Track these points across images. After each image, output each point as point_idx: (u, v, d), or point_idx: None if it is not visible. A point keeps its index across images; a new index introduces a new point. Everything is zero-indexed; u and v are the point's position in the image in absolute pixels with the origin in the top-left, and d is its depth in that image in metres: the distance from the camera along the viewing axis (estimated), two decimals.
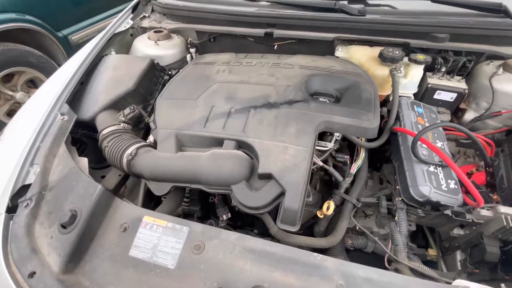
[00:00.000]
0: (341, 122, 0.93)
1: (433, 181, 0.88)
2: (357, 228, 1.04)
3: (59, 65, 2.85)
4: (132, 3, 1.72)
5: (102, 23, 3.34)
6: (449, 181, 0.89)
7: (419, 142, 0.91)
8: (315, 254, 0.69)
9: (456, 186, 0.88)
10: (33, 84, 2.83)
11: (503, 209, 0.76)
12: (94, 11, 3.29)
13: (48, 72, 2.77)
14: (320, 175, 1.22)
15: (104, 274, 0.71)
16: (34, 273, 0.68)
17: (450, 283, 0.65)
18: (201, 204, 1.20)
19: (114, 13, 3.44)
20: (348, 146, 1.20)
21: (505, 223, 0.75)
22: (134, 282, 0.69)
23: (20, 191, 0.85)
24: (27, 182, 0.86)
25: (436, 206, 0.87)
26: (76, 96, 1.17)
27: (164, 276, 0.69)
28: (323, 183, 1.23)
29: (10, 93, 2.65)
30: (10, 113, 2.71)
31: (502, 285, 0.65)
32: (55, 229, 0.75)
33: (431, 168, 0.91)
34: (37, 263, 0.70)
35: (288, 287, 0.65)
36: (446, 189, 0.87)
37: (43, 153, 0.91)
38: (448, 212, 0.83)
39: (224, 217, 1.08)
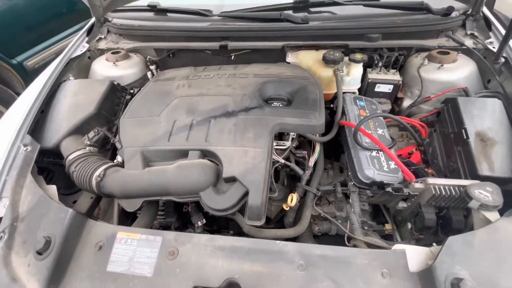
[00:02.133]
0: (292, 123, 1.04)
1: (376, 164, 1.01)
2: (321, 214, 1.15)
3: (17, 94, 2.74)
4: (87, 26, 1.73)
5: (58, 45, 3.25)
6: (389, 162, 1.03)
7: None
8: (277, 242, 0.78)
9: (396, 166, 1.02)
10: None
11: (431, 180, 0.90)
12: (48, 34, 3.20)
13: (5, 102, 2.65)
14: (287, 171, 1.32)
15: None
16: None
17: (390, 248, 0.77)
18: (177, 214, 1.25)
19: (69, 34, 3.36)
20: (309, 142, 1.32)
21: (433, 192, 0.89)
22: None
23: None
24: None
25: (381, 185, 1.00)
26: (37, 125, 1.18)
27: (143, 284, 0.75)
28: (290, 179, 1.34)
29: None
30: None
31: (434, 244, 0.78)
32: (31, 257, 0.78)
33: (374, 153, 1.04)
34: None
35: (256, 275, 0.73)
36: (387, 169, 1.01)
37: (10, 186, 0.92)
38: (389, 189, 0.96)
39: (199, 223, 1.14)
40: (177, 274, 0.75)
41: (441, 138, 1.18)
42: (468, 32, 1.44)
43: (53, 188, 0.98)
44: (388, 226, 1.20)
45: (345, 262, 0.73)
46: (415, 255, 0.73)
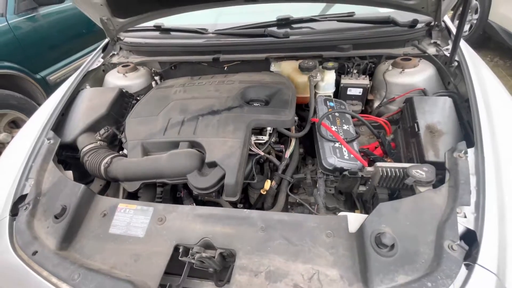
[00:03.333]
0: (266, 119, 1.23)
1: (337, 153, 1.18)
2: (297, 201, 1.31)
3: (39, 105, 3.06)
4: (102, 44, 2.01)
5: (77, 62, 3.62)
6: None
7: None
8: (245, 210, 0.96)
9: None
10: (15, 124, 3.02)
11: (379, 164, 1.06)
12: (69, 53, 3.57)
13: (29, 112, 2.97)
14: (270, 165, 1.50)
15: (91, 248, 0.94)
16: (37, 251, 0.91)
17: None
18: (172, 201, 1.44)
19: (86, 53, 3.73)
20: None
21: (381, 173, 1.04)
22: (114, 250, 0.92)
23: (20, 200, 1.08)
24: (24, 193, 1.09)
25: (342, 171, 1.17)
26: (59, 125, 1.42)
27: (136, 243, 0.93)
28: (273, 172, 1.51)
29: None
30: None
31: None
32: (50, 221, 0.98)
33: (336, 144, 1.22)
34: (38, 245, 0.92)
35: (226, 234, 0.90)
36: (348, 158, 1.18)
37: (35, 170, 1.14)
38: (346, 173, 1.12)
39: None
40: (164, 235, 0.93)
41: (402, 133, 1.35)
42: (432, 41, 1.61)
43: (69, 173, 1.20)
44: (357, 212, 1.34)
45: (297, 225, 0.90)
46: (355, 220, 0.89)
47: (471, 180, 0.89)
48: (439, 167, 1.00)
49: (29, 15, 3.11)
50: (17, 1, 3.00)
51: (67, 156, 1.42)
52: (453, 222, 0.80)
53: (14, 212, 1.04)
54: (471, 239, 0.79)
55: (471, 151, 0.97)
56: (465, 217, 0.82)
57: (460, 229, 0.80)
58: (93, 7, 1.58)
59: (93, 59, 1.88)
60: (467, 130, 1.17)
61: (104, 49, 1.98)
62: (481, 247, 0.75)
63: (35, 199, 1.05)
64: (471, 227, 0.80)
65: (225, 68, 1.80)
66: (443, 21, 1.62)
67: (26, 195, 1.08)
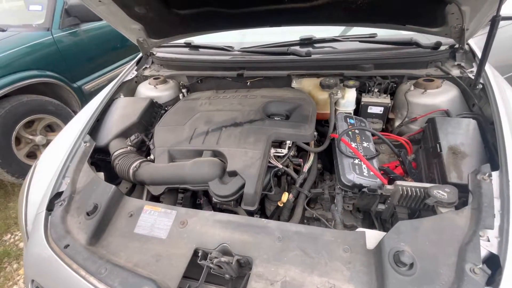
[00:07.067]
0: (285, 132, 1.28)
1: (357, 169, 1.19)
2: (314, 216, 1.32)
3: (74, 112, 3.31)
4: (136, 58, 2.18)
5: (110, 73, 3.90)
6: None
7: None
8: (263, 219, 0.98)
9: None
10: (50, 128, 3.26)
11: (399, 182, 1.06)
12: (103, 64, 3.86)
13: (64, 118, 3.21)
14: (288, 179, 1.52)
15: (117, 245, 1.00)
16: (68, 245, 0.98)
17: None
18: (192, 207, 1.49)
19: (120, 65, 4.01)
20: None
21: (401, 192, 1.04)
22: (138, 249, 0.98)
23: (56, 196, 1.17)
24: (60, 190, 1.19)
25: (361, 188, 1.17)
26: (94, 130, 1.54)
27: (159, 243, 0.98)
28: (290, 186, 1.53)
29: (30, 137, 3.05)
30: (30, 155, 3.10)
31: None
32: (82, 217, 1.06)
33: (356, 161, 1.23)
34: (70, 239, 0.99)
35: (243, 242, 0.93)
36: (367, 175, 1.18)
37: (72, 169, 1.24)
38: (365, 189, 1.13)
39: None
40: (184, 238, 0.98)
41: (424, 153, 1.33)
42: (456, 63, 1.61)
43: (101, 174, 1.29)
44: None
45: (314, 237, 0.91)
46: (373, 237, 0.89)
47: (495, 204, 0.87)
48: (462, 190, 0.98)
49: (72, 30, 3.42)
50: (63, 17, 3.32)
51: (99, 159, 1.53)
52: (476, 245, 0.78)
53: (50, 208, 1.13)
54: (494, 263, 0.77)
55: (495, 174, 0.95)
56: (489, 240, 0.80)
57: (483, 253, 0.78)
58: (131, 30, 1.74)
59: (128, 70, 2.03)
60: (492, 153, 1.14)
61: (138, 62, 2.14)
62: (504, 272, 0.73)
63: (70, 196, 1.14)
64: (495, 251, 0.78)
65: (248, 83, 1.88)
66: (467, 44, 1.62)
67: (62, 192, 1.18)
